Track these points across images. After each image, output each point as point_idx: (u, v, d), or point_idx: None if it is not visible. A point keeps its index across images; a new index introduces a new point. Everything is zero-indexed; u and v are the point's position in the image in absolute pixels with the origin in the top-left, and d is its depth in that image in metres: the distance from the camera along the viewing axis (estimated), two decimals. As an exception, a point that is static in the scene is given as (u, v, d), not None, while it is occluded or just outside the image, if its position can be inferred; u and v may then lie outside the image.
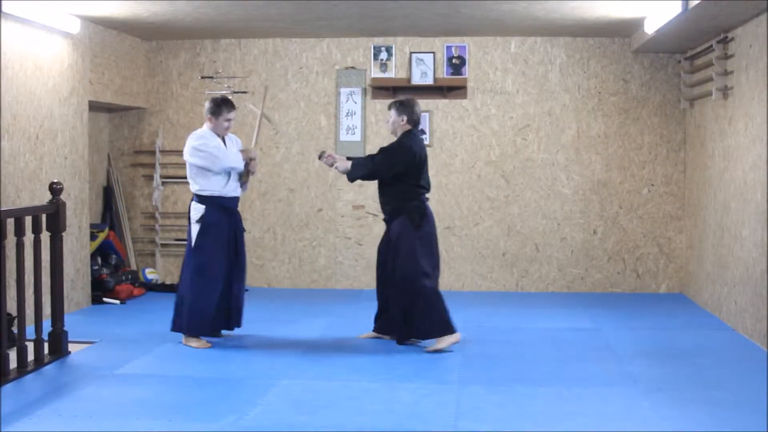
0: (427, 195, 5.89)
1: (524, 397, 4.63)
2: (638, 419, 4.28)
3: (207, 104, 5.95)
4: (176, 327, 5.95)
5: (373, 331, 6.09)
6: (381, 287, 5.97)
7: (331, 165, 6.04)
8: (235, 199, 6.02)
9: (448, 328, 5.70)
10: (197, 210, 5.86)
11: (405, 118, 5.85)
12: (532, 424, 4.19)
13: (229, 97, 6.18)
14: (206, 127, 5.95)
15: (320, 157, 6.05)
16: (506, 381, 4.96)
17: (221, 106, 5.91)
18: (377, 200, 6.07)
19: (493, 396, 4.64)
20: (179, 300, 5.96)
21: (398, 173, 5.74)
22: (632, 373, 5.15)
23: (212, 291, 5.85)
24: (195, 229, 5.87)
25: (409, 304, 5.70)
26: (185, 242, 8.40)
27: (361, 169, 5.86)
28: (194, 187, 5.90)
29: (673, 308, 7.39)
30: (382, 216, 6.06)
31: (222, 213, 5.90)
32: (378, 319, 6.07)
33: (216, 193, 5.86)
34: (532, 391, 4.73)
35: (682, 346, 5.91)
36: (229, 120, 5.94)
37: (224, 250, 5.91)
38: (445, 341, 5.69)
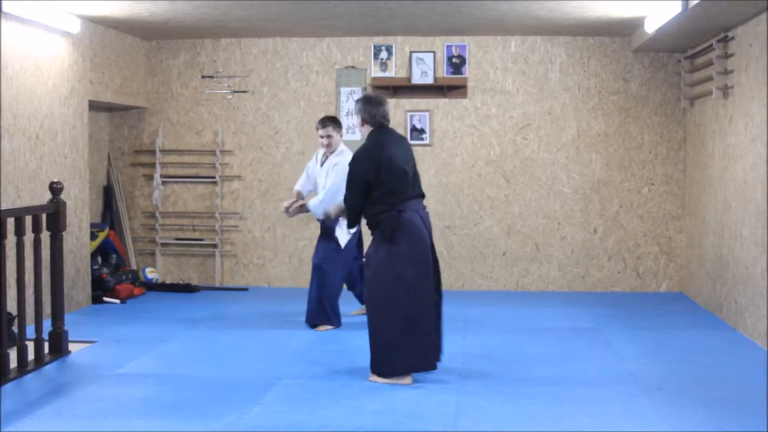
0: (404, 205, 4.89)
1: (524, 397, 4.63)
2: (638, 419, 4.28)
3: None
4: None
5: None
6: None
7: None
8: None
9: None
10: None
11: (360, 119, 5.12)
12: (532, 424, 4.19)
13: (325, 116, 6.53)
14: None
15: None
16: (506, 381, 4.95)
17: (318, 122, 6.40)
18: None
19: (493, 396, 4.64)
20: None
21: (364, 190, 4.90)
22: (632, 373, 5.15)
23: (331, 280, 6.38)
24: None
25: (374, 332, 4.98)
26: (185, 242, 8.54)
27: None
28: None
29: (673, 307, 7.38)
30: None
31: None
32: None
33: None
34: (532, 391, 4.73)
35: (682, 346, 5.90)
36: (320, 137, 6.35)
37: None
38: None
